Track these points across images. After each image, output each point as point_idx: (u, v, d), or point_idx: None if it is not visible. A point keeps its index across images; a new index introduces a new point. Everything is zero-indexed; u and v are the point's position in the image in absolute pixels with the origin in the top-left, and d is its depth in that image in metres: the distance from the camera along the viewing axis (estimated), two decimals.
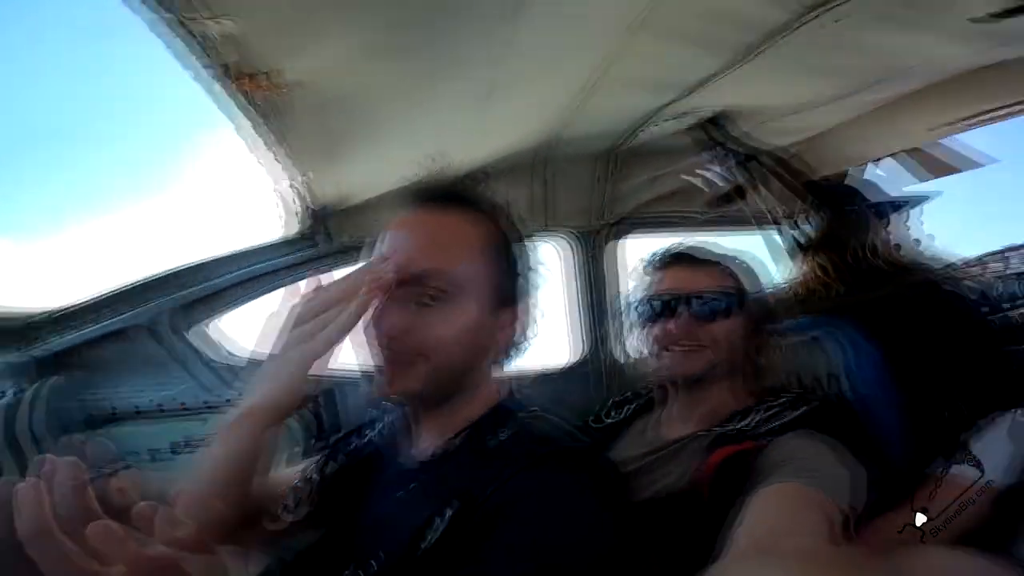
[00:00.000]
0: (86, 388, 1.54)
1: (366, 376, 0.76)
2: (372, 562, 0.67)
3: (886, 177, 1.70)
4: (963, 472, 1.00)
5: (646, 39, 1.04)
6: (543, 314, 0.84)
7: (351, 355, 0.76)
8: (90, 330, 1.52)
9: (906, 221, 1.64)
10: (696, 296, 1.09)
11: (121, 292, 1.54)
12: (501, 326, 0.78)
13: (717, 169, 1.65)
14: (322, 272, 1.62)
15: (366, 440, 0.90)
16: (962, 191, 1.71)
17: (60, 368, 1.52)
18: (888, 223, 1.62)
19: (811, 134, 1.62)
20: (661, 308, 1.12)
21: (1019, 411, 1.02)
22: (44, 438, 1.42)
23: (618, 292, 1.83)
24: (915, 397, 1.17)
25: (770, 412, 1.02)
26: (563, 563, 0.59)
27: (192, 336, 1.60)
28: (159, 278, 1.56)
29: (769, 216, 1.69)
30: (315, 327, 0.69)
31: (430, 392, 0.75)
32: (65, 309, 1.52)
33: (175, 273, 1.57)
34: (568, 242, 1.82)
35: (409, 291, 0.72)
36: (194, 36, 0.78)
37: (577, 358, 1.83)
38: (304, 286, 0.76)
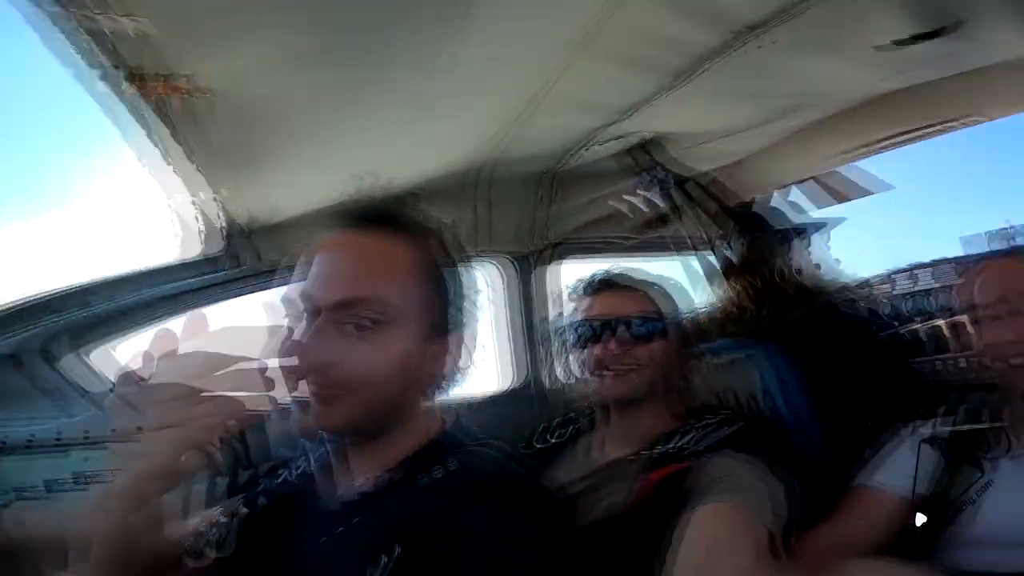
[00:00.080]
0: None
1: (297, 405, 0.70)
2: None
3: (797, 203, 1.84)
4: (879, 484, 1.06)
5: (586, 60, 1.06)
6: (482, 341, 0.82)
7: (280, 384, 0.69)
8: None
9: (807, 246, 1.78)
10: (626, 320, 1.13)
11: (11, 312, 1.37)
12: (437, 355, 0.74)
13: (649, 194, 1.71)
14: (234, 296, 1.51)
15: (295, 474, 0.84)
16: (864, 215, 1.87)
17: None
18: (790, 249, 1.75)
19: (734, 159, 1.72)
20: (593, 332, 1.14)
21: (920, 423, 1.09)
22: None
23: (553, 316, 1.83)
24: (831, 413, 1.26)
25: (702, 432, 1.06)
26: None
27: (92, 360, 1.46)
28: (54, 298, 1.40)
29: (696, 241, 1.77)
30: (183, 415, 0.59)
31: (361, 426, 0.71)
32: None
33: (68, 294, 1.41)
34: (504, 265, 1.81)
35: (337, 319, 0.68)
36: (92, 35, 0.70)
37: (514, 382, 1.81)
38: (197, 323, 0.65)
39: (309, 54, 0.88)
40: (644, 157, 1.57)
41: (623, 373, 1.12)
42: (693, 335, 1.25)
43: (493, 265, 1.80)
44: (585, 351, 1.16)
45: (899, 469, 1.06)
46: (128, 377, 0.62)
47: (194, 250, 1.45)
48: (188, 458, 0.59)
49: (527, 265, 1.81)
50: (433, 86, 1.05)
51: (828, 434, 1.24)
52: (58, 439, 1.39)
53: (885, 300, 1.66)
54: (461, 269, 0.78)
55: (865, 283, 1.73)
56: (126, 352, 1.51)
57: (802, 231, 1.81)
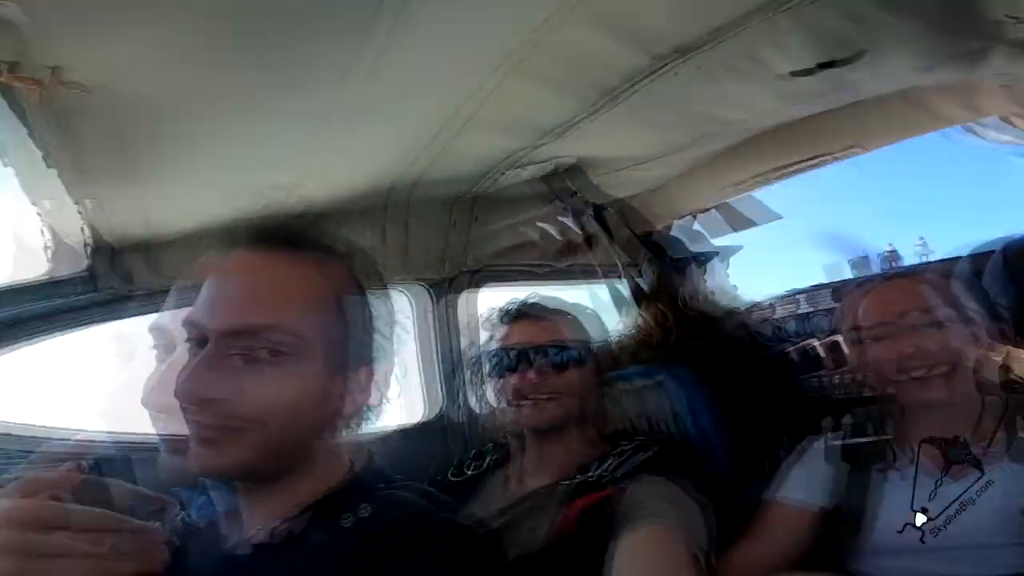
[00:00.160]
0: None
1: (174, 445, 0.64)
2: None
3: (702, 232, 1.96)
4: (788, 499, 1.11)
5: (514, 80, 1.04)
6: (403, 372, 0.76)
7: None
8: None
9: (704, 274, 1.91)
10: (544, 349, 1.13)
11: None
12: (345, 391, 0.68)
13: (566, 220, 1.74)
14: (93, 322, 1.30)
15: (181, 522, 0.74)
16: (760, 242, 2.02)
17: None
18: (694, 276, 1.86)
19: (649, 187, 1.78)
20: (513, 360, 1.14)
21: (830, 435, 1.16)
22: None
23: (472, 343, 1.79)
24: (736, 433, 1.32)
25: (620, 459, 1.09)
26: None
27: None
28: None
29: (609, 269, 1.82)
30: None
31: (262, 466, 0.64)
32: None
33: None
34: (418, 293, 1.74)
35: (227, 349, 0.61)
36: None
37: (428, 414, 1.73)
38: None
39: (206, 50, 0.78)
40: (562, 183, 1.59)
41: (541, 402, 1.12)
42: (615, 360, 1.27)
43: (414, 289, 1.73)
44: (503, 380, 1.15)
45: (805, 483, 1.11)
46: None
47: (45, 269, 1.23)
48: None
49: (443, 292, 1.75)
50: (349, 97, 0.98)
51: (735, 454, 1.29)
52: None
53: (777, 322, 1.80)
54: (377, 297, 0.73)
55: (759, 307, 1.87)
56: None
57: (705, 259, 1.93)
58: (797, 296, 1.78)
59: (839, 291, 1.78)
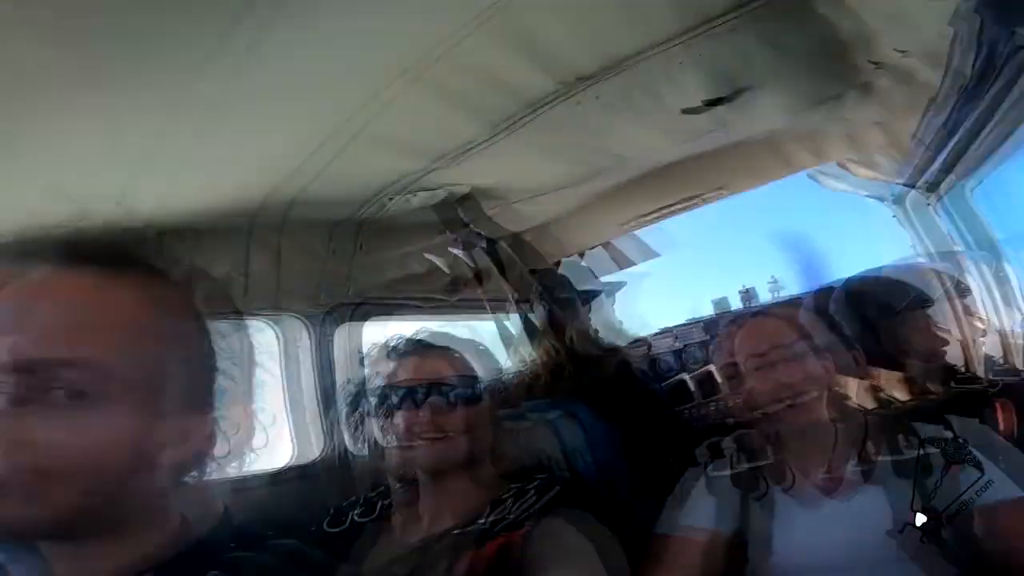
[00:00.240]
0: None
1: None
2: None
3: (590, 268, 2.02)
4: (686, 527, 1.11)
5: (412, 95, 0.98)
6: (270, 416, 0.67)
7: None
8: None
9: (590, 311, 1.97)
10: (437, 385, 1.09)
11: None
12: (184, 436, 0.59)
13: (458, 252, 1.68)
14: None
15: None
16: (640, 279, 2.13)
17: None
18: (583, 312, 1.92)
19: (542, 220, 1.80)
20: (403, 398, 1.08)
21: (711, 465, 1.19)
22: None
23: (351, 381, 1.62)
24: (634, 465, 1.32)
25: (523, 499, 1.04)
26: None
27: None
28: None
29: (500, 304, 1.79)
30: None
31: (72, 525, 0.55)
32: None
33: None
34: (294, 324, 1.56)
35: (22, 386, 0.52)
36: None
37: (305, 457, 1.54)
38: None
39: (25, 19, 0.62)
40: (454, 213, 1.54)
41: (435, 441, 1.06)
42: (503, 399, 1.24)
43: (269, 326, 1.53)
44: (390, 420, 1.09)
45: (700, 510, 1.12)
46: None
47: None
48: None
49: (322, 325, 1.59)
50: (213, 96, 0.84)
51: (639, 485, 1.31)
52: None
53: (658, 356, 1.90)
54: (225, 329, 0.65)
55: (642, 342, 1.96)
56: None
57: (591, 296, 2.00)
58: (675, 331, 1.89)
59: (709, 326, 1.93)
